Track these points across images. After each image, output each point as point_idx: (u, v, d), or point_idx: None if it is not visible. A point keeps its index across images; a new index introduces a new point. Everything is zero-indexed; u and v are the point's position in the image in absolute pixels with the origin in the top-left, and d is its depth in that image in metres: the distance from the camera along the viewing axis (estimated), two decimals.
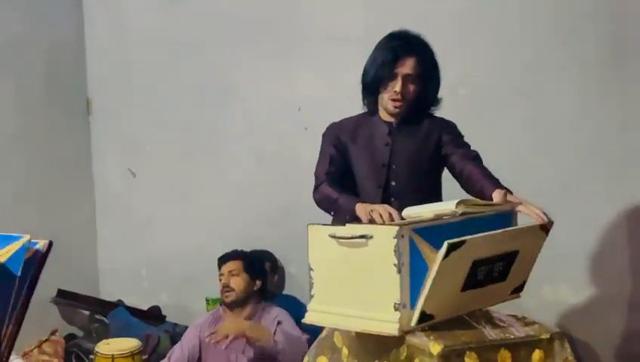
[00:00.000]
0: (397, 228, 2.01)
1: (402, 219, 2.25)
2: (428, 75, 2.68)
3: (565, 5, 3.39)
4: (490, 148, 3.33)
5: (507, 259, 2.23)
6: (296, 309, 3.80)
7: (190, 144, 4.51)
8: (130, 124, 4.72)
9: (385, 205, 2.33)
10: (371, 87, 2.70)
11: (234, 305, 3.56)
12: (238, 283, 3.55)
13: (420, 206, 2.27)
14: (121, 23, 4.70)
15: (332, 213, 2.62)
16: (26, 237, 1.98)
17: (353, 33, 3.83)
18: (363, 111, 2.80)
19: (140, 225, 4.72)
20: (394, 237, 2.00)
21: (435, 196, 2.72)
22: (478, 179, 2.51)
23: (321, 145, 2.80)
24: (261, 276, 3.68)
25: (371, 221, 2.26)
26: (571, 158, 3.40)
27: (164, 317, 4.55)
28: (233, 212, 4.36)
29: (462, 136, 2.77)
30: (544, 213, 2.29)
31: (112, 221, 4.85)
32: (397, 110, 2.68)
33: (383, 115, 2.75)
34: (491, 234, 2.14)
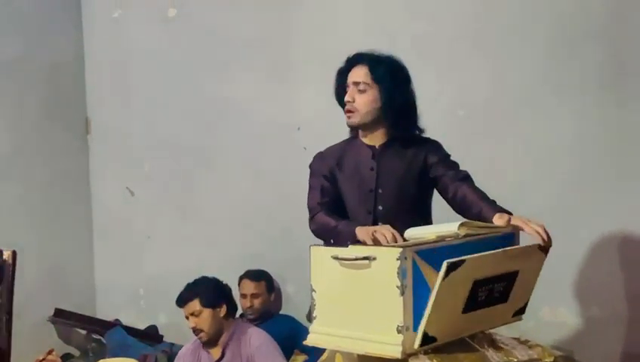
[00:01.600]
0: (400, 249, 2.01)
1: (405, 240, 2.25)
2: (386, 85, 2.63)
3: (564, 27, 3.41)
4: (490, 169, 3.37)
5: (507, 280, 2.22)
6: (294, 329, 3.80)
7: (189, 163, 4.51)
8: (128, 143, 4.72)
9: (387, 226, 2.33)
10: (339, 103, 2.72)
11: (210, 343, 3.49)
12: (204, 321, 3.45)
13: (422, 227, 2.27)
14: (120, 43, 4.71)
15: (332, 241, 2.56)
16: None
17: (352, 53, 3.84)
18: (347, 137, 2.79)
19: (137, 244, 4.71)
20: (397, 259, 2.00)
21: (425, 218, 2.70)
22: (475, 202, 2.48)
23: (310, 177, 2.77)
24: (222, 300, 3.52)
25: (375, 242, 2.26)
26: (570, 180, 3.41)
27: (162, 336, 4.53)
28: (231, 231, 4.36)
29: (448, 156, 2.73)
30: (545, 231, 2.28)
31: (109, 240, 4.84)
32: (350, 120, 2.66)
33: (365, 138, 2.72)
34: (490, 253, 2.13)
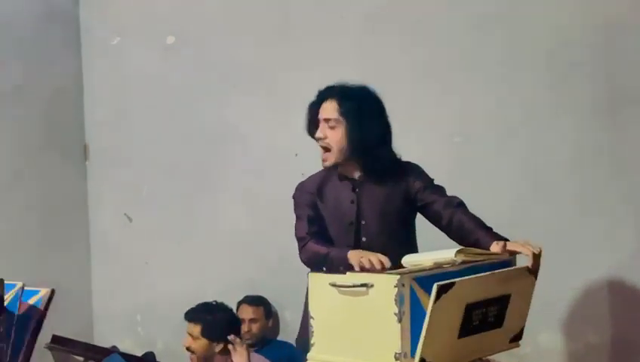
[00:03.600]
0: (398, 276, 2.02)
1: (401, 266, 2.26)
2: (352, 121, 2.59)
3: (560, 53, 3.44)
4: (486, 194, 3.38)
5: (500, 304, 2.23)
6: (291, 355, 3.78)
7: (187, 189, 4.52)
8: (126, 169, 4.73)
9: (377, 254, 2.32)
10: (311, 136, 2.70)
11: None
12: (198, 347, 3.45)
13: (420, 254, 2.29)
14: (119, 70, 4.74)
15: (324, 269, 2.52)
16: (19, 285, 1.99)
17: (349, 79, 3.85)
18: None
19: (135, 270, 4.70)
20: (395, 286, 2.01)
21: (411, 244, 2.68)
22: (473, 230, 2.48)
23: (295, 208, 2.76)
24: (223, 338, 3.45)
25: (362, 268, 2.26)
26: (567, 205, 3.42)
27: None
28: (229, 257, 4.36)
29: (432, 181, 2.70)
30: (539, 251, 2.28)
31: (107, 266, 4.83)
32: (325, 163, 2.64)
33: (343, 169, 2.69)
34: (480, 276, 2.14)
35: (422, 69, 3.73)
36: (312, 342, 2.21)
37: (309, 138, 4.02)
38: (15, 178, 4.42)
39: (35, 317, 2.60)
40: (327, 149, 2.63)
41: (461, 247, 2.22)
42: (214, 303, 3.60)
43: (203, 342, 3.45)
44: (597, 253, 3.35)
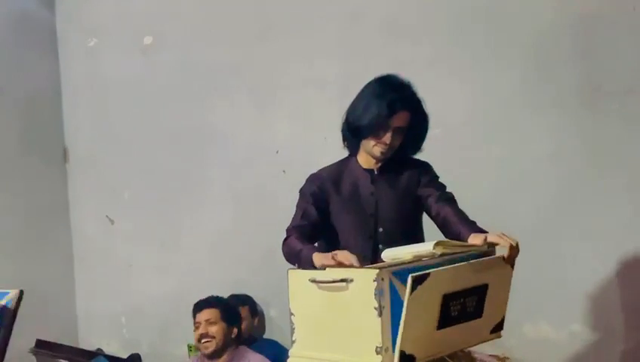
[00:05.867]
0: (377, 271, 2.01)
1: (376, 261, 2.26)
2: (417, 125, 2.69)
3: (541, 46, 3.44)
4: (466, 187, 3.37)
5: (478, 294, 2.23)
6: (277, 353, 3.78)
7: (168, 190, 4.50)
8: (107, 171, 4.71)
9: (346, 251, 2.31)
10: (361, 132, 2.67)
11: (214, 355, 3.52)
12: (217, 331, 3.51)
13: (399, 248, 2.28)
14: (97, 72, 4.72)
15: (297, 266, 2.53)
16: None
17: (329, 77, 3.87)
18: (340, 159, 2.79)
19: (118, 272, 4.69)
20: (374, 280, 2.00)
21: (420, 238, 2.72)
22: (455, 224, 2.52)
23: (299, 198, 2.75)
24: (237, 323, 3.65)
25: (339, 264, 2.25)
26: (549, 197, 3.43)
27: None
28: (213, 256, 4.35)
29: (437, 178, 2.77)
30: (517, 243, 2.29)
31: (90, 269, 4.81)
32: (382, 156, 2.68)
33: (362, 160, 2.74)
34: (455, 266, 2.14)
35: (402, 65, 3.72)
36: (293, 338, 2.21)
37: (289, 135, 4.06)
38: None
39: (6, 318, 2.65)
40: (386, 148, 2.66)
41: (439, 240, 2.21)
42: (216, 296, 3.69)
43: (222, 325, 3.53)
44: (580, 244, 3.36)
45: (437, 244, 2.16)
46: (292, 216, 2.74)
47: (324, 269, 2.20)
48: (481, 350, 2.37)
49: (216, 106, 4.31)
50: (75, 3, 4.73)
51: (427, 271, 2.02)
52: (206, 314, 3.55)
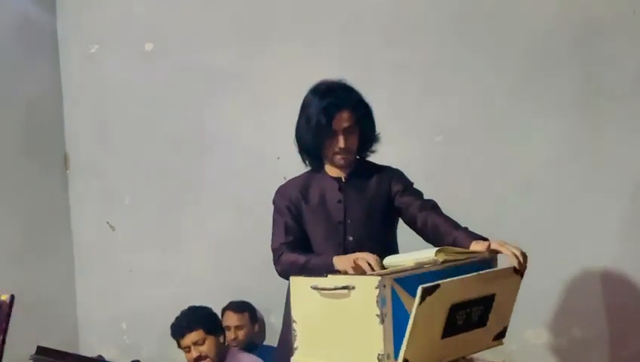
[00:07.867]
0: (379, 278, 2.01)
1: (383, 267, 2.25)
2: (363, 118, 2.66)
3: (541, 50, 3.45)
4: (468, 194, 3.39)
5: (485, 303, 2.23)
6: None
7: (169, 196, 4.50)
8: (108, 177, 4.71)
9: (366, 253, 2.32)
10: (313, 147, 2.67)
11: None
12: (209, 348, 3.50)
13: (400, 254, 2.29)
14: (98, 77, 4.71)
15: None
16: None
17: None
18: (307, 170, 2.79)
19: (119, 278, 4.68)
20: (376, 288, 2.00)
21: (393, 245, 2.72)
22: (448, 231, 2.49)
23: (274, 213, 2.76)
24: (221, 328, 3.64)
25: (357, 270, 2.26)
26: (549, 202, 3.44)
27: None
28: (213, 263, 4.35)
29: (412, 184, 2.75)
30: (522, 252, 2.28)
31: (91, 275, 4.80)
32: (345, 162, 2.68)
33: (330, 170, 2.74)
34: (465, 277, 2.14)
35: (402, 68, 3.74)
36: (295, 345, 2.21)
37: (290, 141, 4.04)
38: None
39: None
40: (345, 152, 2.66)
41: (441, 247, 2.21)
42: (187, 311, 3.64)
43: (211, 340, 3.52)
44: (581, 249, 3.37)
45: (439, 251, 2.16)
46: (272, 233, 2.72)
47: (335, 274, 2.20)
48: (478, 355, 2.36)
49: (217, 112, 4.31)
50: (77, 10, 4.73)
51: (437, 283, 2.01)
52: (192, 337, 3.52)
